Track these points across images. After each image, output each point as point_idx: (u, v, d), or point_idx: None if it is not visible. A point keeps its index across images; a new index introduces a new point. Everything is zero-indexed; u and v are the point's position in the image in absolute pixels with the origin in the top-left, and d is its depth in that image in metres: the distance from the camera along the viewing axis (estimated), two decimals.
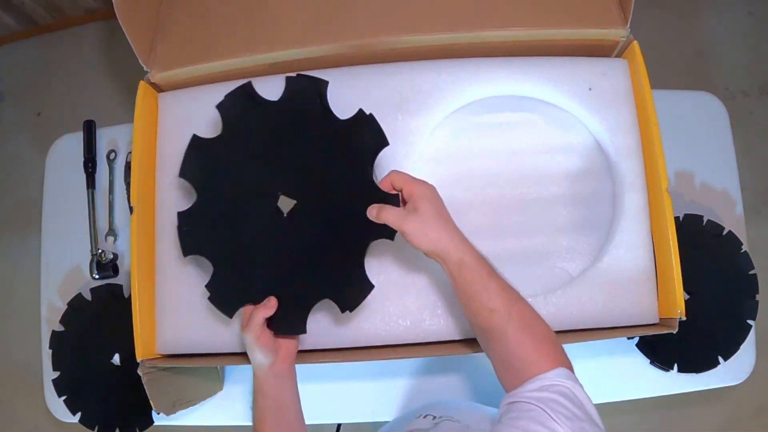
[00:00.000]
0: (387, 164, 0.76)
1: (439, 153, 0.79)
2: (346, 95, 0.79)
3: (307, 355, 0.72)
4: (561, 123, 0.79)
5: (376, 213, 0.61)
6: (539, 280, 0.75)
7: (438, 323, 0.72)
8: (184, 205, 0.79)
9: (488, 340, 0.59)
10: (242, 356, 0.74)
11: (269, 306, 0.61)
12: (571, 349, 0.88)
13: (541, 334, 0.58)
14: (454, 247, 0.58)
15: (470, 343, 0.71)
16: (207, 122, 0.81)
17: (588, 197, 0.77)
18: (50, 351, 0.92)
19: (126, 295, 0.95)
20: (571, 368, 0.55)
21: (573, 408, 0.48)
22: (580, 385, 0.52)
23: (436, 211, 0.60)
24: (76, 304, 0.94)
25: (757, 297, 0.86)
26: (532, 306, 0.60)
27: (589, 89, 0.77)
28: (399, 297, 0.73)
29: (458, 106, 0.80)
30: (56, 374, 0.92)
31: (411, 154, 0.77)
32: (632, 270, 0.72)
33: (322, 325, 0.73)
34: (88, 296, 0.94)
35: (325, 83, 0.70)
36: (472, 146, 0.79)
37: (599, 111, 0.77)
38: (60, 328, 0.93)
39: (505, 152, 0.79)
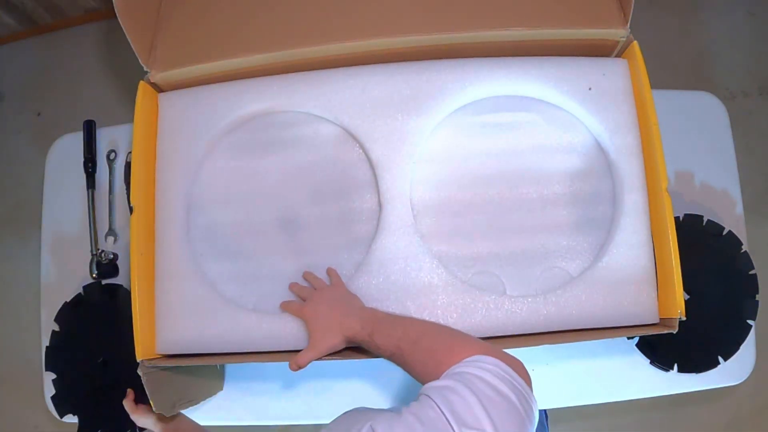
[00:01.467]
0: (388, 165, 0.76)
1: (440, 153, 0.79)
2: (347, 95, 0.79)
3: None
4: (561, 123, 0.79)
5: (296, 366, 0.67)
6: (539, 280, 0.75)
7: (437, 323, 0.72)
8: (183, 206, 0.80)
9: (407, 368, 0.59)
10: (242, 356, 0.74)
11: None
12: (572, 348, 0.89)
13: (441, 343, 0.56)
14: (350, 334, 0.65)
15: None
16: (207, 122, 0.81)
17: (588, 197, 0.77)
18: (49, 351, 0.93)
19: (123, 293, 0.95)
20: (482, 351, 0.51)
21: (466, 393, 0.46)
22: (491, 362, 0.49)
23: (320, 324, 0.68)
24: (72, 303, 0.94)
25: (757, 297, 0.86)
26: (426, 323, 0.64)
27: (589, 89, 0.77)
28: (398, 297, 0.73)
29: (458, 106, 0.80)
30: (55, 375, 0.92)
31: (411, 154, 0.77)
32: (632, 270, 0.72)
33: None
34: (88, 295, 0.95)
35: None
36: (472, 146, 0.79)
37: (599, 111, 0.77)
38: (56, 327, 0.93)
39: (505, 152, 0.79)
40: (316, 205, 0.79)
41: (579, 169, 0.78)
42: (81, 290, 0.95)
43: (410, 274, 0.73)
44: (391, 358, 0.60)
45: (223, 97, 0.81)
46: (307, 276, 0.76)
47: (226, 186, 0.81)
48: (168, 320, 0.76)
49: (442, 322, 0.72)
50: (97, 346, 0.93)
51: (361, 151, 0.79)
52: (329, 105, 0.79)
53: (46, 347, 0.94)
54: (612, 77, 0.78)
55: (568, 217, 0.77)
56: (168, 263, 0.77)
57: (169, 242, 0.77)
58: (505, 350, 0.53)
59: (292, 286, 0.75)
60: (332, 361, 0.68)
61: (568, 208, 0.77)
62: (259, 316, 0.74)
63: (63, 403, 0.92)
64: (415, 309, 0.72)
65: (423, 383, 0.53)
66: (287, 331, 0.73)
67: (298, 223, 0.79)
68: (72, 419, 0.91)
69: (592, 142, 0.79)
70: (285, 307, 0.73)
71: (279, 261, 0.78)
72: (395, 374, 0.90)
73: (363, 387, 0.91)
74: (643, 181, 0.75)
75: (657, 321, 0.72)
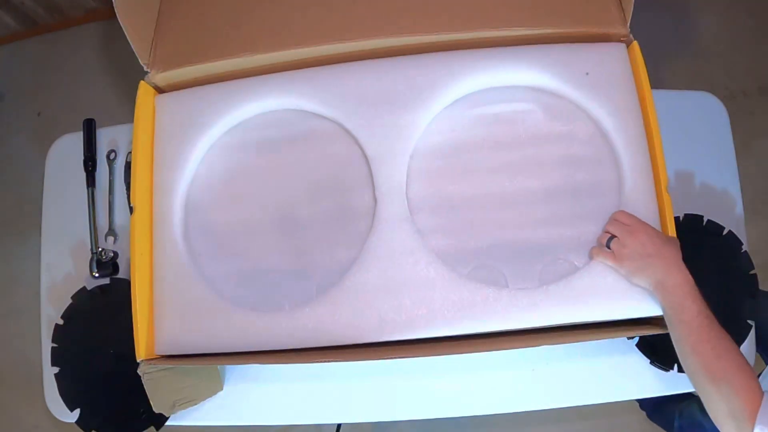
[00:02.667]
0: (384, 160, 0.76)
1: (439, 146, 0.79)
2: (342, 91, 0.79)
3: (304, 353, 0.72)
4: (560, 111, 0.79)
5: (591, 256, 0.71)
6: (540, 273, 0.74)
7: (435, 322, 0.72)
8: (181, 206, 0.80)
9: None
10: (242, 356, 0.74)
11: None
12: (572, 348, 0.89)
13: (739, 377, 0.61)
14: (671, 283, 0.66)
15: (465, 342, 0.71)
16: (205, 122, 0.81)
17: (591, 186, 0.76)
18: (52, 346, 0.92)
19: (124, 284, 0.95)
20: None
21: None
22: None
23: (637, 263, 0.68)
24: (78, 299, 0.94)
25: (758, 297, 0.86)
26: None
27: (586, 74, 0.77)
28: (395, 292, 0.73)
29: (454, 99, 0.79)
30: (56, 369, 0.92)
31: (408, 148, 0.77)
32: None
33: (322, 322, 0.73)
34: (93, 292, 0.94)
35: None
36: (471, 138, 0.79)
37: (598, 95, 0.76)
38: (62, 322, 0.93)
39: (503, 144, 0.79)
40: (314, 202, 0.79)
41: (581, 159, 0.77)
42: (84, 284, 0.95)
43: (407, 268, 0.73)
44: (682, 340, 0.64)
45: (221, 97, 0.81)
46: (619, 216, 0.72)
47: (224, 185, 0.81)
48: (167, 321, 0.76)
49: (440, 316, 0.71)
50: (103, 339, 0.92)
51: (357, 146, 0.79)
52: (324, 101, 0.79)
53: (53, 347, 0.93)
54: (609, 62, 0.77)
55: (570, 208, 0.76)
56: (167, 263, 0.77)
57: (168, 242, 0.77)
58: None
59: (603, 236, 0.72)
60: (332, 362, 0.68)
61: (569, 199, 0.76)
62: (259, 315, 0.74)
63: (69, 396, 0.91)
64: (411, 304, 0.72)
65: (711, 392, 0.61)
66: (287, 331, 0.73)
67: (296, 221, 0.79)
68: (71, 419, 0.91)
69: (593, 129, 0.78)
70: (596, 253, 0.71)
71: (277, 259, 0.78)
72: (394, 375, 0.90)
73: (363, 387, 0.91)
74: (646, 164, 0.74)
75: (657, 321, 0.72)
